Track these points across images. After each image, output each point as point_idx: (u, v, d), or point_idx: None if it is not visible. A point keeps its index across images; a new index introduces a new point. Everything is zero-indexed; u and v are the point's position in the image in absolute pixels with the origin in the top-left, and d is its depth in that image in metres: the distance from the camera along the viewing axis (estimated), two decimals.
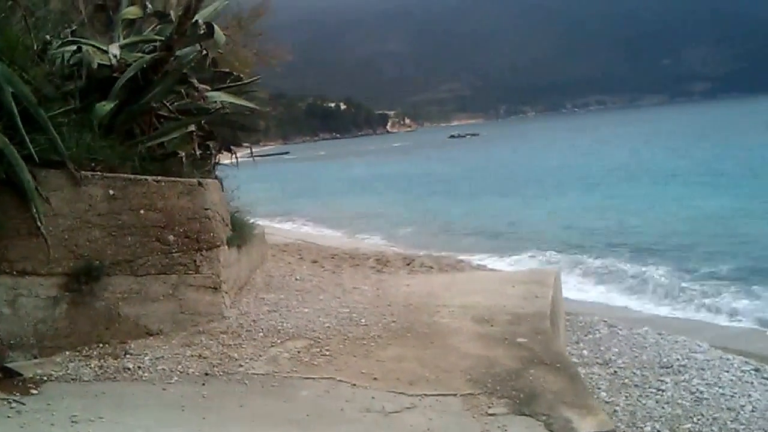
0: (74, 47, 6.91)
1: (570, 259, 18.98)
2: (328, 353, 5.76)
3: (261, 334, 6.27)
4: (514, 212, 29.31)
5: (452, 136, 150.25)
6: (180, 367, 5.48)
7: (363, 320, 6.65)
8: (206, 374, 5.34)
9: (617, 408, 8.01)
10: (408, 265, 12.33)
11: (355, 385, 5.11)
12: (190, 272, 6.45)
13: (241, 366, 5.50)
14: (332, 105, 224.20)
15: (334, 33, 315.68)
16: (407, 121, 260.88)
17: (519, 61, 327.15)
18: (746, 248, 19.05)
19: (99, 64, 6.77)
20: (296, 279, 8.81)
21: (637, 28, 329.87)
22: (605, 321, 11.63)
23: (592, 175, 42.56)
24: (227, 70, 9.18)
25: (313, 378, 5.25)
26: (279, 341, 6.08)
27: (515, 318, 6.54)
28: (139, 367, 5.47)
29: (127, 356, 5.72)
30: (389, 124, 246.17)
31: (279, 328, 6.43)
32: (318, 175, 64.89)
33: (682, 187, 33.49)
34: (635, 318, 13.39)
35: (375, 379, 5.20)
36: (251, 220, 9.25)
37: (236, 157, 9.46)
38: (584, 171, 45.55)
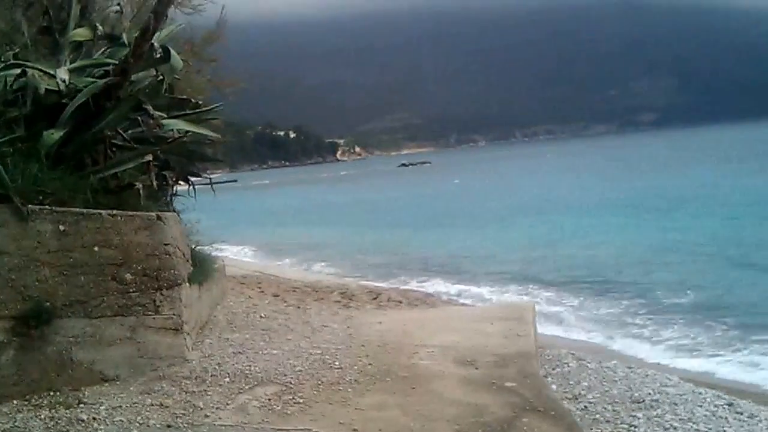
0: (18, 71, 6.46)
1: (523, 290, 18.64)
2: (301, 401, 5.35)
3: (227, 379, 5.84)
4: (464, 242, 28.87)
5: (403, 165, 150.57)
6: (140, 417, 5.03)
7: (337, 363, 6.25)
8: (169, 426, 4.91)
9: None
10: (375, 299, 11.94)
11: None
12: (149, 313, 6.02)
13: (207, 416, 5.07)
14: (281, 133, 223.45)
15: (284, 62, 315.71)
16: (357, 149, 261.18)
17: (469, 90, 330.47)
18: (694, 281, 18.90)
19: (46, 90, 6.34)
20: (261, 316, 8.36)
21: (586, 59, 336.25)
22: (573, 354, 11.29)
23: (538, 204, 42.45)
24: (184, 96, 8.76)
25: (287, 429, 4.85)
26: (247, 387, 5.66)
27: (500, 359, 6.21)
28: (95, 418, 5.01)
29: (81, 406, 5.26)
30: (339, 152, 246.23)
31: (246, 372, 6.01)
32: (267, 203, 64.24)
33: (628, 218, 33.42)
34: (596, 351, 13.08)
35: (355, 430, 4.82)
36: (211, 253, 8.81)
37: (194, 188, 9.00)
38: (530, 201, 45.54)
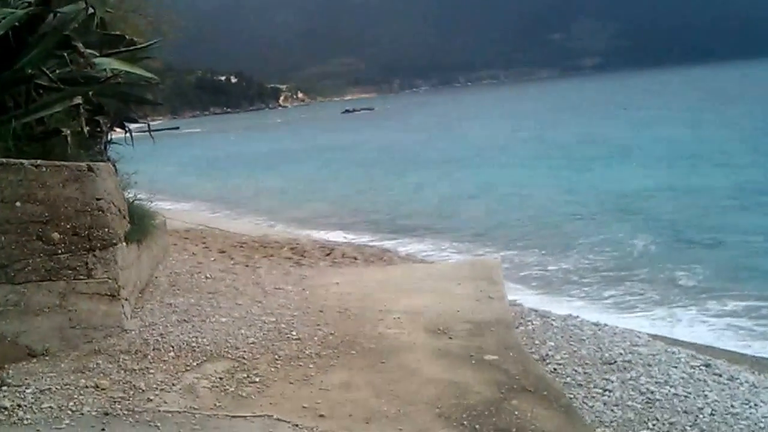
0: None
1: (475, 245, 17.77)
2: (257, 379, 4.73)
3: (171, 353, 5.18)
4: (402, 194, 27.75)
5: (346, 111, 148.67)
6: (72, 403, 4.36)
7: (294, 333, 5.63)
8: (106, 414, 4.25)
9: None
10: (328, 255, 11.21)
11: (297, 425, 4.13)
12: (81, 277, 5.33)
13: (149, 400, 4.42)
14: (223, 78, 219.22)
15: (222, 5, 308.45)
16: (300, 95, 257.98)
17: (411, 35, 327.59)
18: (644, 236, 18.27)
19: None
20: (207, 277, 7.65)
21: (528, 3, 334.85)
22: (536, 311, 10.75)
23: (481, 154, 41.36)
24: (118, 33, 7.89)
25: (244, 417, 4.23)
26: (195, 363, 5.01)
27: (475, 327, 5.65)
28: (19, 405, 4.32)
29: (4, 389, 4.56)
30: (282, 98, 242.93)
31: (193, 344, 5.35)
32: (209, 151, 62.67)
33: (574, 169, 32.27)
34: (550, 307, 12.47)
35: (321, 416, 4.23)
36: (151, 206, 8.04)
37: (131, 135, 8.19)
38: (474, 150, 44.53)
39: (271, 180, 35.21)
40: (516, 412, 4.17)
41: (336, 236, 16.86)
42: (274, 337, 5.52)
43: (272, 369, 4.90)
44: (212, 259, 9.32)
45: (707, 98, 74.35)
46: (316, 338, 5.51)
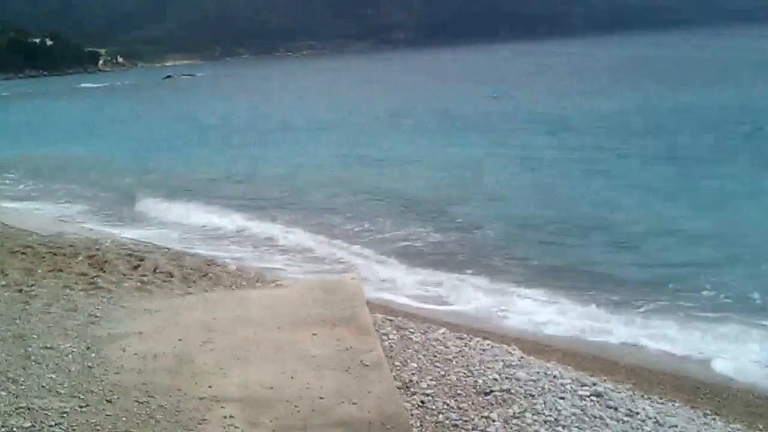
0: None
1: (302, 232, 15.21)
2: None
3: None
4: (219, 166, 24.49)
5: (168, 77, 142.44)
6: None
7: None
8: None
9: None
10: (136, 269, 8.32)
11: None
12: None
13: None
14: (37, 40, 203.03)
15: None
16: (120, 59, 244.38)
17: (231, 3, 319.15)
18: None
19: None
20: None
21: None
22: (391, 320, 8.55)
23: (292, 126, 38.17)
24: None
25: None
26: None
27: None
28: None
29: None
30: (101, 62, 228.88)
31: None
32: (13, 116, 56.22)
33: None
34: (397, 310, 10.34)
35: None
36: None
37: None
38: (287, 121, 41.11)
39: (80, 154, 30.50)
40: None
41: (147, 233, 13.69)
42: None
43: None
44: None
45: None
46: None
